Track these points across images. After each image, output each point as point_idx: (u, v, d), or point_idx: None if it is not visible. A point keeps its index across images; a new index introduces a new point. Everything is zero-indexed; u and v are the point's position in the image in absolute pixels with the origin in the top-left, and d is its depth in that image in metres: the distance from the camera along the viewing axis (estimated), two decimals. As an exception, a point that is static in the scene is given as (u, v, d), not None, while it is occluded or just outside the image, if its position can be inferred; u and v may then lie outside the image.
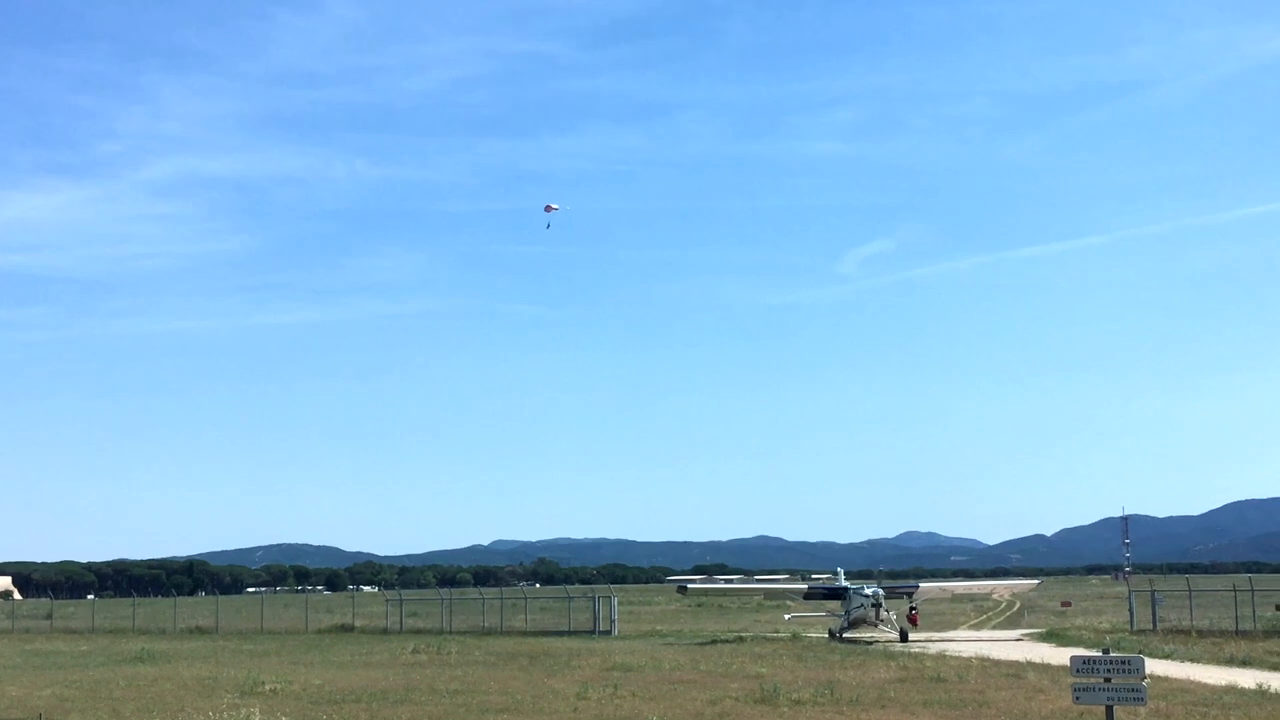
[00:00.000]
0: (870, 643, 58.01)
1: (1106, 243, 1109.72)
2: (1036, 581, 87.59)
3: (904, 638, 59.44)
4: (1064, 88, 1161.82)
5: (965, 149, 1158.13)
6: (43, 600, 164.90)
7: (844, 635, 61.89)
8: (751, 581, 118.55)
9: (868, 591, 61.61)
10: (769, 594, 77.62)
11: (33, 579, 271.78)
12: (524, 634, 70.61)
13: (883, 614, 60.82)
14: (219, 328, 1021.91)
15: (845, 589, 64.34)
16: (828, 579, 76.30)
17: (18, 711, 32.12)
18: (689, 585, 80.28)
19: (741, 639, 61.64)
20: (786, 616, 73.01)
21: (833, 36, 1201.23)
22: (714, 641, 60.52)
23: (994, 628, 75.12)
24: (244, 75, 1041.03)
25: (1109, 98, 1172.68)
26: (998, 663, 44.77)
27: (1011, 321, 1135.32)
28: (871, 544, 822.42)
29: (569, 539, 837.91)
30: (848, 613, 62.21)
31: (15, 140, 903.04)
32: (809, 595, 68.75)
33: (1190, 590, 66.89)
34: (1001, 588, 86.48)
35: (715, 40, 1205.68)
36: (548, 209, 70.66)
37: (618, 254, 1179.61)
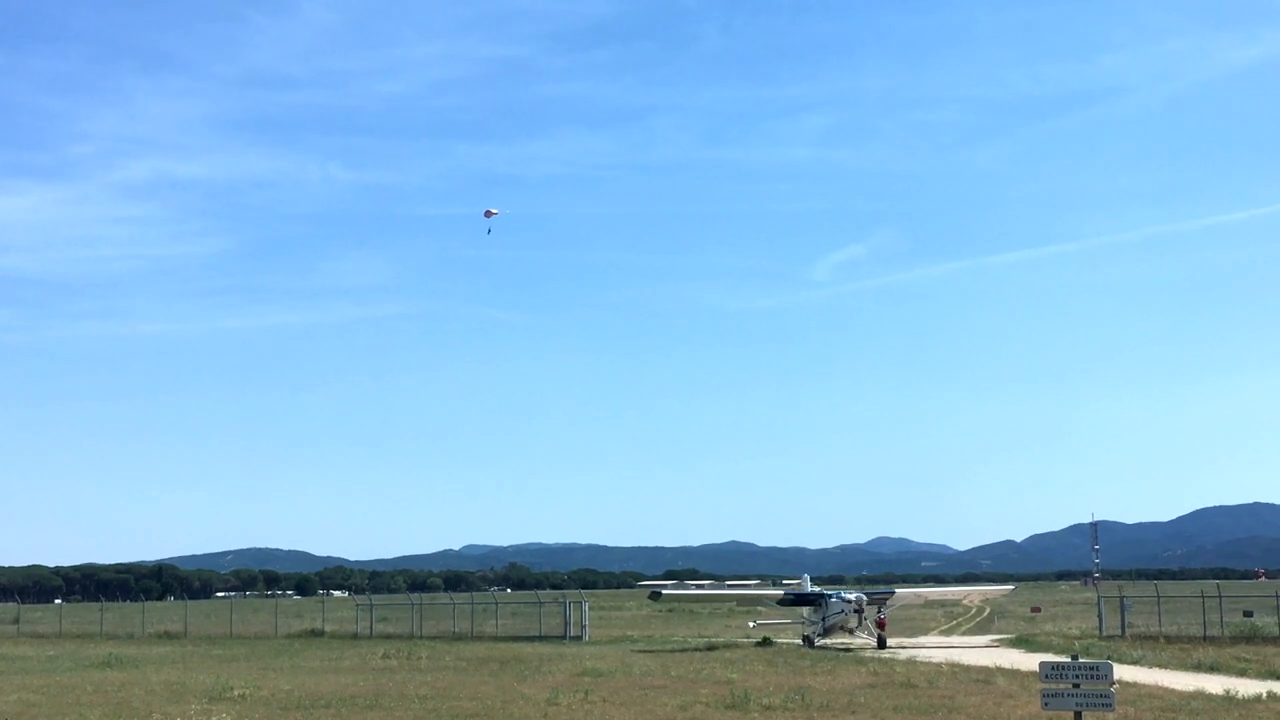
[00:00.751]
0: (846, 650, 57.74)
1: (1078, 250, 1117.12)
2: (1010, 588, 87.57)
3: (882, 644, 58.84)
4: (1036, 95, 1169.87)
5: (938, 155, 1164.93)
6: (9, 605, 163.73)
7: (819, 642, 61.00)
8: (725, 587, 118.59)
9: (850, 597, 61.12)
10: (742, 600, 77.21)
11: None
12: (495, 639, 70.46)
13: (863, 620, 60.40)
14: (190, 331, 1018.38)
15: (822, 595, 63.59)
16: (797, 585, 76.25)
17: (-17, 717, 31.86)
18: (662, 591, 79.89)
19: (713, 646, 61.41)
20: (751, 624, 72.18)
21: (805, 43, 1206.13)
22: (710, 648, 59.99)
23: (964, 633, 75.36)
24: (217, 77, 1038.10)
25: (1081, 105, 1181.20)
26: (968, 668, 44.88)
27: (983, 328, 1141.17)
28: (843, 549, 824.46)
29: (540, 544, 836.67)
30: (824, 619, 61.34)
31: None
32: (784, 601, 68.01)
33: (1159, 596, 67.26)
34: (975, 593, 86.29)
35: (688, 46, 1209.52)
36: (488, 214, 69.99)
37: (590, 259, 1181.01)
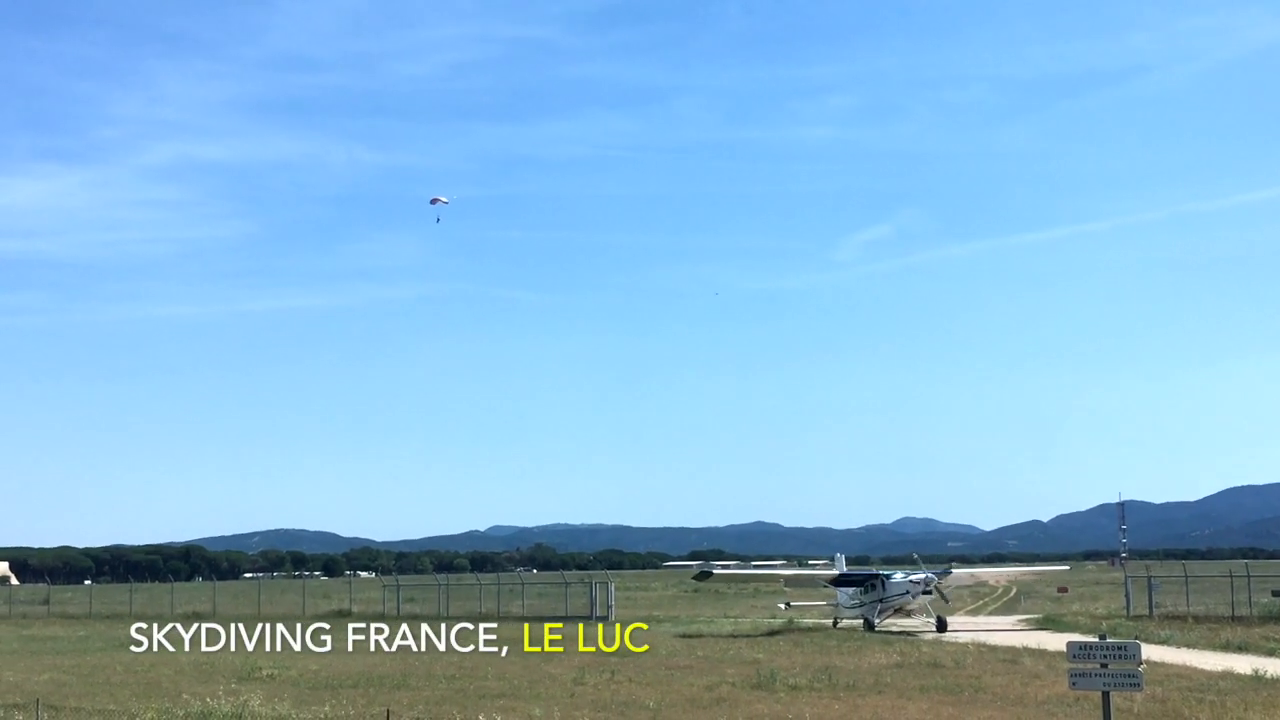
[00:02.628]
0: (911, 633, 55.21)
1: (1104, 229, 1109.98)
2: (1065, 567, 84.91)
3: (942, 627, 55.81)
4: (1062, 73, 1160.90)
5: (962, 135, 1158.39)
6: (40, 585, 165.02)
7: (879, 625, 57.94)
8: (775, 567, 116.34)
9: (916, 578, 57.85)
10: (792, 580, 74.11)
11: (30, 564, 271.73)
12: (521, 619, 70.60)
13: (925, 602, 57.53)
14: (216, 313, 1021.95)
15: (880, 575, 60.08)
16: (825, 565, 75.67)
17: (16, 696, 32.15)
18: (712, 570, 77.39)
19: (774, 632, 58.36)
20: (782, 605, 70.30)
21: (829, 22, 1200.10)
22: (771, 633, 56.53)
23: (990, 614, 75.22)
24: (241, 60, 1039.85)
25: (1107, 84, 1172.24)
26: (994, 648, 44.86)
27: (1009, 307, 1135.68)
28: (868, 530, 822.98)
29: (566, 525, 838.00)
30: (881, 600, 58.18)
31: (12, 125, 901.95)
32: (839, 582, 63.29)
33: (1186, 576, 66.98)
34: (1031, 573, 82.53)
35: (711, 25, 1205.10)
36: (434, 201, 67.22)
37: (614, 240, 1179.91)
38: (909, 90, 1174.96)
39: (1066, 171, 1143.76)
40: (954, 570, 67.86)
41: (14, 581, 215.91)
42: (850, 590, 61.63)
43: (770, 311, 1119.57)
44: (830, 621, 62.62)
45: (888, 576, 59.19)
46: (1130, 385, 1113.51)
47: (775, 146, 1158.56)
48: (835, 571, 65.66)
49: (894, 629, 58.08)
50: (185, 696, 31.17)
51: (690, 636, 54.03)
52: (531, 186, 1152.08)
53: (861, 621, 59.07)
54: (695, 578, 78.81)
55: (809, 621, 64.19)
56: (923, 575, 58.11)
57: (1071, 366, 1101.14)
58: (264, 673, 38.00)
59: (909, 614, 58.73)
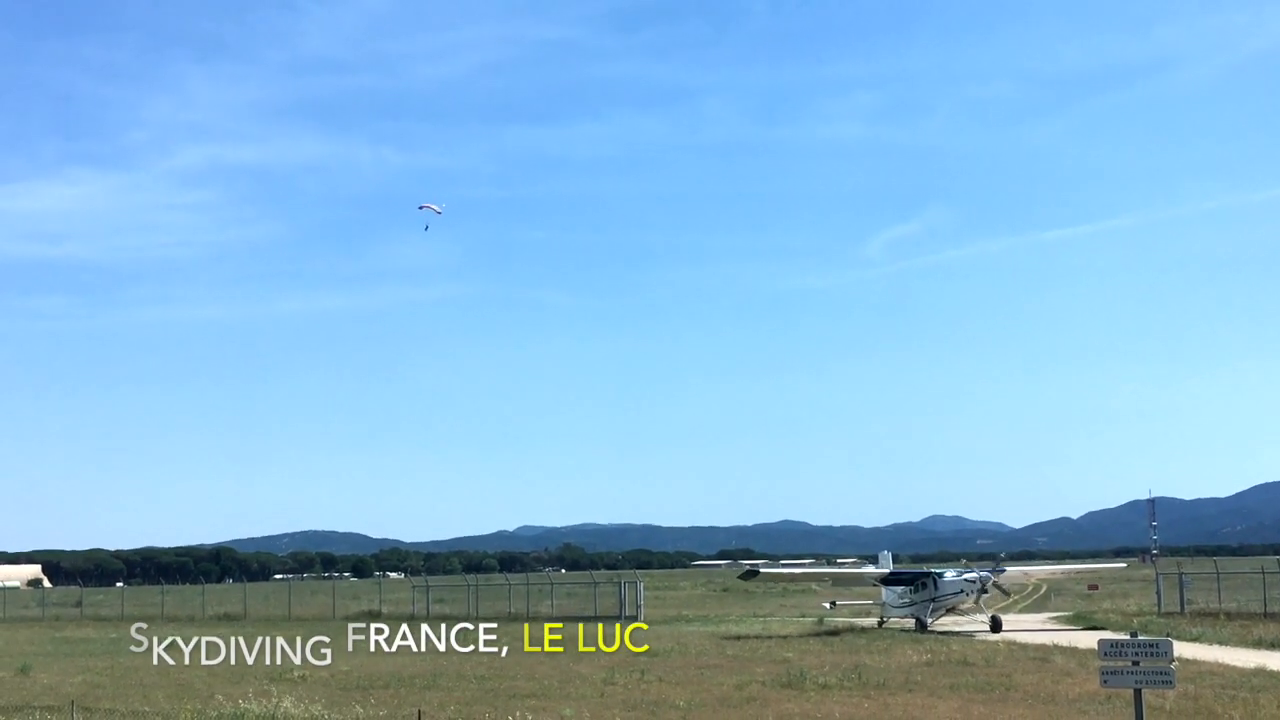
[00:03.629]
0: (957, 632, 53.62)
1: (1133, 225, 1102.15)
2: (1123, 565, 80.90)
3: (996, 626, 53.85)
4: (1089, 69, 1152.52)
5: (990, 131, 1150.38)
6: (72, 588, 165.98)
7: (932, 624, 56.16)
8: (823, 566, 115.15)
9: (971, 576, 56.36)
10: (839, 579, 71.90)
11: (62, 567, 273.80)
12: (550, 619, 70.78)
13: (980, 601, 56.02)
14: (244, 315, 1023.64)
15: (932, 574, 58.28)
16: (854, 563, 75.28)
17: (50, 698, 32.44)
18: (759, 569, 75.68)
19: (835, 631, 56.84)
20: (828, 604, 68.24)
21: (855, 19, 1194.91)
22: (833, 632, 54.96)
23: (1020, 611, 74.95)
24: (269, 63, 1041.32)
25: (1135, 79, 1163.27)
26: (1024, 646, 44.73)
27: (1037, 304, 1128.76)
28: (896, 528, 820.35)
29: (594, 524, 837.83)
30: (934, 599, 56.42)
31: (42, 130, 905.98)
32: (888, 581, 61.45)
33: (1218, 572, 66.64)
34: (1085, 571, 79.38)
35: (738, 24, 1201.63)
36: (423, 208, 67.50)
37: (641, 240, 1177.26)
38: (936, 87, 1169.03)
39: (1095, 167, 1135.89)
40: (1007, 569, 65.23)
41: (46, 584, 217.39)
42: (899, 589, 60.12)
43: (798, 310, 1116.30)
44: (875, 621, 61.44)
45: (940, 575, 57.68)
46: (1160, 381, 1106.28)
47: (802, 145, 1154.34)
48: (884, 570, 64.11)
49: (948, 629, 56.23)
50: (218, 698, 31.37)
51: (737, 639, 52.44)
52: (558, 187, 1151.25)
53: (913, 622, 57.52)
54: (741, 577, 76.01)
55: (867, 622, 62.37)
56: (977, 573, 56.74)
57: (1101, 362, 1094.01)
58: (295, 674, 38.18)
59: (962, 613, 57.15)
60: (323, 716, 27.94)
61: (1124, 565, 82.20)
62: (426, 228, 68.68)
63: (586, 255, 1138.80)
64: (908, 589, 59.11)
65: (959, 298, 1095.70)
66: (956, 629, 55.30)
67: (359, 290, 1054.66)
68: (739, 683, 33.26)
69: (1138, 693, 20.55)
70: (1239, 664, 36.10)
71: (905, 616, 59.00)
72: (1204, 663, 36.51)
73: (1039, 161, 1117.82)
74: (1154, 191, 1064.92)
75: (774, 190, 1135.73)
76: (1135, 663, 20.47)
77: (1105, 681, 21.01)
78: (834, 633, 55.28)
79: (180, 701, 31.29)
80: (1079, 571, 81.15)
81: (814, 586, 73.24)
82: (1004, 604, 56.34)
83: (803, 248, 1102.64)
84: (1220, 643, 44.94)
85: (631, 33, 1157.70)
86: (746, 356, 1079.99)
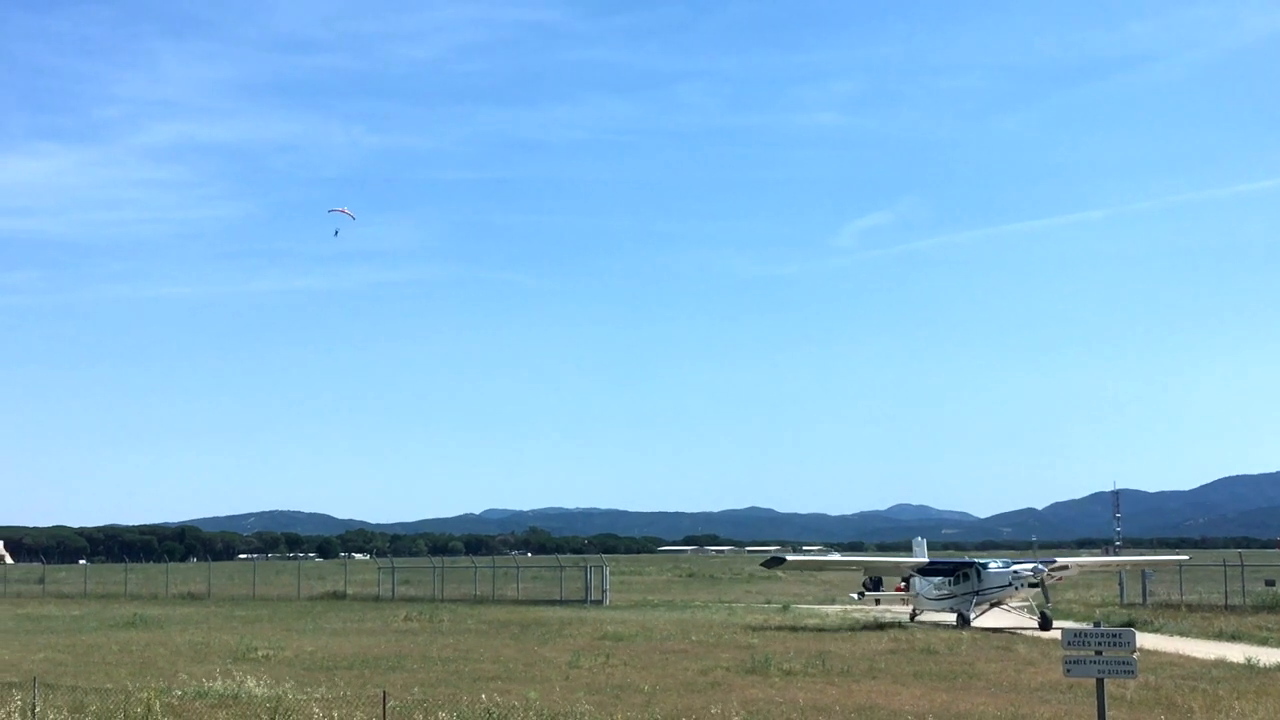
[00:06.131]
0: (1014, 631, 47.78)
1: (1103, 218, 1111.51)
2: (1185, 557, 70.43)
3: (1046, 625, 47.60)
4: (1062, 62, 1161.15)
5: (963, 123, 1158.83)
6: (34, 565, 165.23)
7: (974, 620, 50.71)
8: (852, 554, 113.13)
9: (1021, 567, 51.03)
10: (872, 568, 67.94)
11: (24, 543, 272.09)
12: (516, 603, 70.79)
13: (1029, 596, 51.43)
14: (214, 294, 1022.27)
15: (975, 564, 53.34)
16: (819, 550, 75.26)
17: (11, 675, 32.17)
18: (785, 558, 68.02)
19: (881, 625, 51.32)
20: (855, 595, 65.47)
21: (830, 9, 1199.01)
22: (880, 626, 49.76)
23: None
24: (243, 41, 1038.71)
25: (1108, 72, 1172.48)
26: (989, 635, 44.95)
27: (1007, 295, 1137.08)
28: (863, 516, 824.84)
29: (561, 508, 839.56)
30: (978, 592, 51.16)
31: (11, 104, 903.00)
32: (926, 571, 56.70)
33: (1180, 565, 67.02)
34: (1115, 564, 69.95)
35: (714, 11, 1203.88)
36: (333, 211, 66.78)
37: (614, 224, 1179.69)
38: (909, 78, 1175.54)
39: (1066, 160, 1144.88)
40: (1058, 559, 59.97)
41: (9, 560, 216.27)
42: (937, 580, 55.71)
43: (769, 298, 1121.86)
44: (907, 614, 57.08)
45: (984, 566, 52.65)
46: (1126, 374, 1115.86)
47: (776, 133, 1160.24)
48: (921, 559, 59.02)
49: (993, 625, 50.04)
50: (182, 676, 31.22)
51: (757, 629, 48.70)
52: (532, 170, 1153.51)
53: (955, 616, 51.86)
54: (765, 564, 67.87)
55: (897, 612, 58.80)
56: (1030, 564, 51.56)
57: (1068, 355, 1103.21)
58: (259, 653, 38.12)
59: (1008, 609, 52.37)
60: (286, 695, 27.83)
61: (1186, 557, 70.84)
62: (336, 232, 68.93)
63: (559, 239, 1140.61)
64: (946, 580, 54.72)
65: (929, 288, 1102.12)
66: (1001, 626, 49.70)
67: (330, 271, 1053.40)
68: (703, 668, 33.31)
69: (1100, 682, 20.67)
70: (1199, 655, 36.39)
71: (943, 610, 54.25)
72: (1165, 654, 36.78)
73: (1011, 153, 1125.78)
74: (1125, 185, 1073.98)
75: (747, 177, 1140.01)
76: (1098, 652, 20.58)
77: (1068, 671, 21.12)
78: (880, 626, 50.19)
79: (143, 679, 31.08)
80: (1109, 563, 70.97)
81: (779, 574, 73.21)
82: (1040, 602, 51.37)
83: (774, 235, 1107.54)
84: (1181, 634, 45.28)
85: (607, 16, 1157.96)
86: (716, 342, 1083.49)
